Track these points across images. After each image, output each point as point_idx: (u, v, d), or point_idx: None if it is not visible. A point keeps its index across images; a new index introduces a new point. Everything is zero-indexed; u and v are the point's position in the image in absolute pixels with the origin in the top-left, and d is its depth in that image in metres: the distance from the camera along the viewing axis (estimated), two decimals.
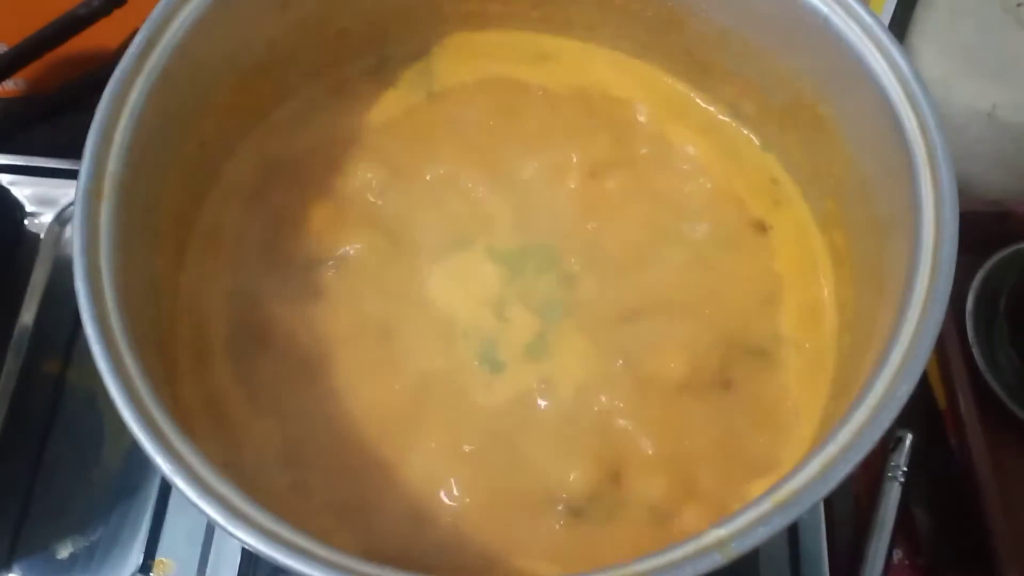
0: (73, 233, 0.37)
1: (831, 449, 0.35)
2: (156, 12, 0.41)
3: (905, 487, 0.59)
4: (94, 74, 0.71)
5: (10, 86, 0.72)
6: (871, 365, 0.38)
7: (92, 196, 0.38)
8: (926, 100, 0.42)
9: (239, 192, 0.49)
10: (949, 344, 0.62)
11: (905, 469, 0.59)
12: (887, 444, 0.60)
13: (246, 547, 0.33)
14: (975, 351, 0.62)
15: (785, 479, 0.35)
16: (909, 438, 0.60)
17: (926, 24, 0.69)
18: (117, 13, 0.69)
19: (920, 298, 0.37)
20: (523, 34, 0.54)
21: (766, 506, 0.34)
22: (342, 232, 0.47)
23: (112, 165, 0.39)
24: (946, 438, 0.63)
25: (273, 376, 0.45)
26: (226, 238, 0.48)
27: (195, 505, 0.33)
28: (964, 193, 0.41)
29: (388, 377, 0.44)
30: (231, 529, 0.33)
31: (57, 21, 0.69)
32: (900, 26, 0.69)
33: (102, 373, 0.35)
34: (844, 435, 0.35)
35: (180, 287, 0.46)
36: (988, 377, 0.61)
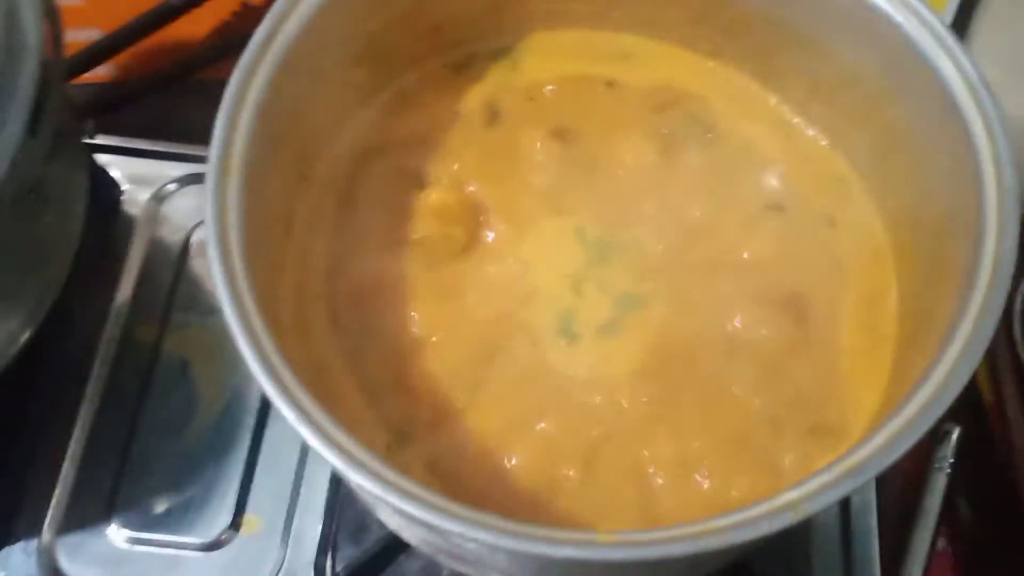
0: (206, 205, 0.41)
1: (896, 423, 0.38)
2: (276, 7, 0.45)
3: (950, 478, 0.62)
4: (181, 62, 0.75)
5: (101, 71, 0.76)
6: (934, 348, 0.40)
7: (222, 171, 0.42)
8: (992, 105, 0.44)
9: (338, 177, 0.52)
10: (997, 342, 0.64)
11: (952, 461, 0.62)
12: (935, 436, 0.63)
13: (366, 493, 0.37)
14: (1021, 350, 0.64)
15: (853, 449, 0.37)
16: (956, 431, 0.63)
17: (982, 34, 0.70)
18: (206, 4, 0.73)
19: (983, 287, 0.40)
20: (604, 33, 0.56)
21: (836, 472, 0.37)
22: (434, 215, 0.51)
23: (238, 144, 0.42)
24: (991, 432, 0.65)
25: (370, 347, 0.48)
26: (324, 218, 0.51)
27: (321, 454, 0.37)
28: None
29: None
30: (351, 475, 0.36)
31: (153, 10, 0.72)
32: (959, 29, 0.71)
33: (233, 330, 0.38)
34: (909, 410, 0.38)
35: (286, 264, 0.49)
36: None
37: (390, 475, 0.37)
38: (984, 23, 0.71)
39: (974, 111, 0.44)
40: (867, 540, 0.59)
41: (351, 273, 0.49)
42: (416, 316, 0.49)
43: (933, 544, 0.61)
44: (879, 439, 0.37)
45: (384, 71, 0.54)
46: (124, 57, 0.75)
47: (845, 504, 0.60)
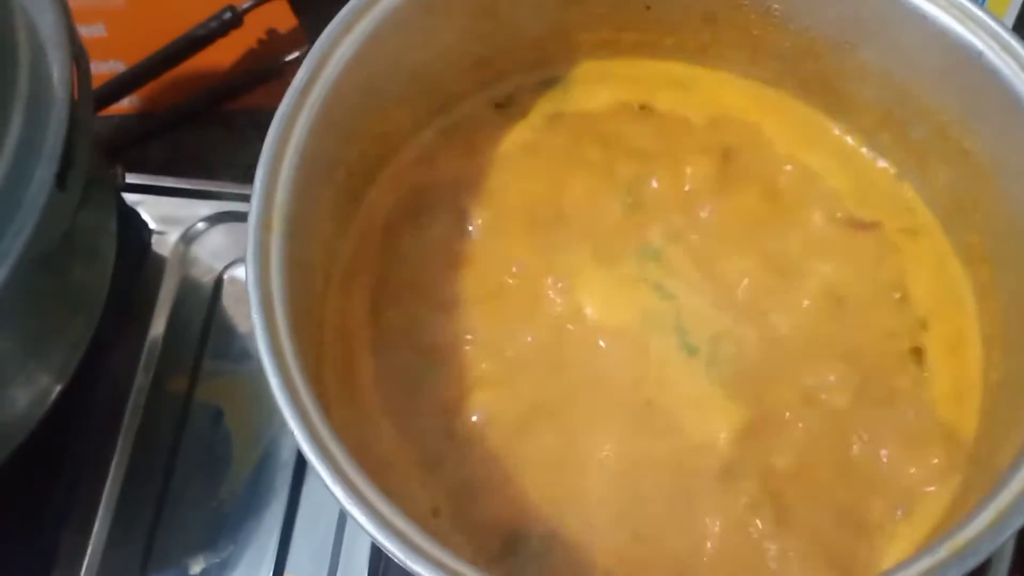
0: (247, 265, 0.38)
1: (1005, 496, 0.35)
2: (316, 48, 0.42)
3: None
4: (206, 93, 0.73)
5: (125, 103, 0.74)
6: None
7: (263, 228, 0.39)
8: None
9: (378, 221, 0.50)
10: None
11: None
12: None
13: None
14: None
15: (959, 526, 0.34)
16: None
17: None
18: (232, 34, 0.71)
19: None
20: (655, 62, 0.54)
21: (942, 554, 0.34)
22: (482, 266, 0.48)
23: (280, 196, 0.40)
24: None
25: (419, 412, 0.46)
26: (367, 268, 0.48)
27: (372, 536, 0.34)
28: None
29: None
30: (410, 563, 0.33)
31: (177, 41, 0.70)
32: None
33: (282, 409, 0.36)
34: (1017, 482, 0.35)
35: (326, 318, 0.47)
36: None
37: (424, 544, 0.34)
38: None
39: None
40: None
41: (399, 331, 0.47)
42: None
43: None
44: (987, 515, 0.34)
45: (428, 108, 0.51)
46: (148, 89, 0.73)
47: None
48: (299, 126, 0.41)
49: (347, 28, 0.43)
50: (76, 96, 0.46)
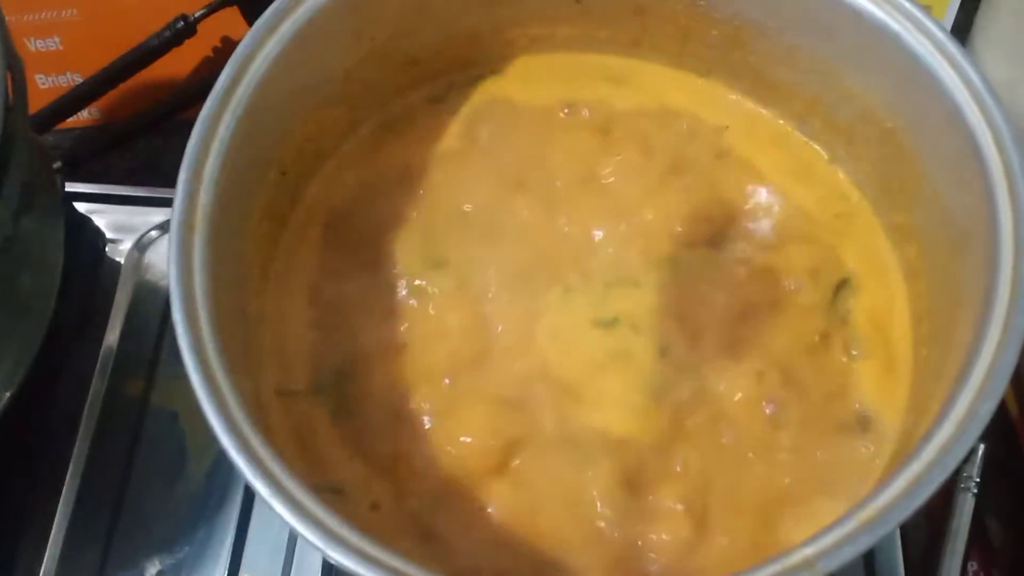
0: (169, 265, 0.39)
1: (915, 467, 0.35)
2: (240, 49, 0.43)
3: (978, 498, 0.59)
4: (165, 102, 0.73)
5: (84, 115, 0.74)
6: (951, 381, 0.38)
7: (186, 228, 0.39)
8: (1001, 114, 0.42)
9: (317, 219, 0.50)
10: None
11: (978, 480, 0.59)
12: None
13: (345, 568, 0.34)
14: None
15: (870, 497, 0.35)
16: (981, 448, 0.59)
17: (989, 27, 0.68)
18: (186, 43, 0.71)
19: (1001, 314, 0.38)
20: (590, 55, 0.54)
21: (852, 525, 0.34)
22: (421, 260, 0.48)
23: (203, 197, 0.40)
24: (1019, 447, 0.62)
25: (360, 409, 0.46)
26: (305, 265, 0.49)
27: (293, 527, 0.34)
28: None
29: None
30: (329, 552, 0.34)
31: (131, 52, 0.70)
32: (962, 30, 0.68)
33: (200, 400, 0.36)
34: (928, 452, 0.35)
35: (265, 315, 0.47)
36: None
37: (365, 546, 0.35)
38: (990, 17, 0.68)
39: (982, 122, 0.42)
40: (893, 568, 0.56)
41: (334, 327, 0.47)
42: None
43: (964, 569, 0.58)
44: (897, 485, 0.35)
45: (360, 107, 0.52)
46: (107, 100, 0.73)
47: None
48: (223, 127, 0.42)
49: (271, 30, 0.43)
50: (11, 104, 0.46)
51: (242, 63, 0.42)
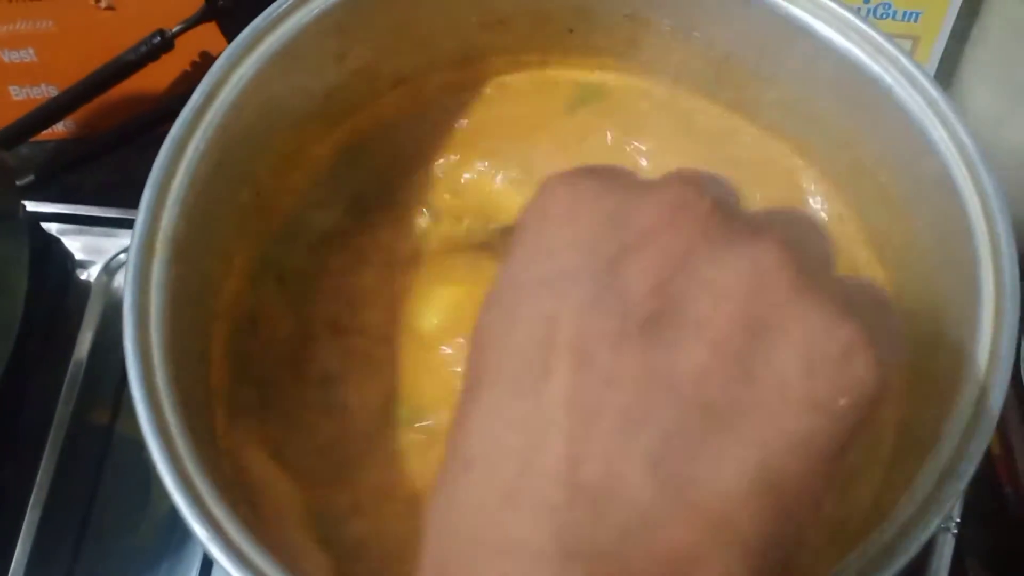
0: (125, 288, 0.37)
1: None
2: (214, 69, 0.41)
3: (958, 538, 0.58)
4: (141, 116, 0.72)
5: (60, 128, 0.73)
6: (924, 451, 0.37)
7: (146, 251, 0.38)
8: (992, 181, 0.40)
9: (300, 238, 0.48)
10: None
11: (958, 520, 0.58)
12: None
13: None
14: None
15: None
16: None
17: (978, 61, 0.67)
18: (163, 58, 0.70)
19: (972, 394, 0.36)
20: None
21: None
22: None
23: (166, 219, 0.39)
24: (1000, 486, 0.61)
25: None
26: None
27: None
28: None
29: None
30: None
31: (107, 65, 0.69)
32: (950, 64, 0.68)
33: (146, 437, 0.35)
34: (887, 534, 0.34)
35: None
36: None
37: None
38: (979, 52, 0.68)
39: (972, 191, 0.40)
40: None
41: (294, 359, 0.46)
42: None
43: None
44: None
45: (343, 127, 0.50)
46: (83, 113, 0.72)
47: None
48: (192, 148, 0.40)
49: (248, 49, 0.42)
50: None
51: (216, 83, 0.41)
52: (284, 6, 0.42)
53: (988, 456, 0.61)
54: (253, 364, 0.45)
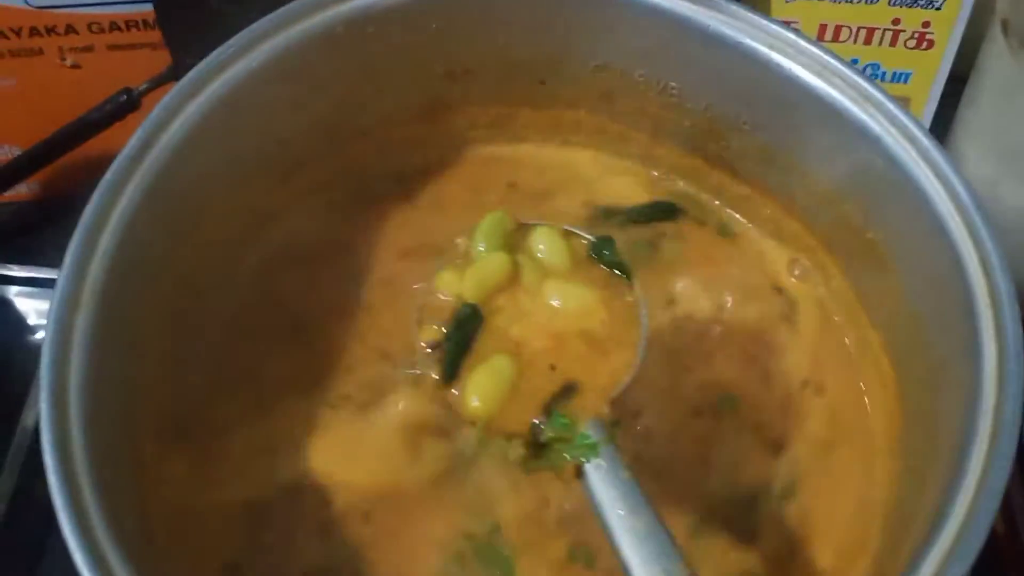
0: (43, 347, 0.34)
1: None
2: (154, 113, 0.39)
3: None
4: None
5: (23, 190, 0.71)
6: (921, 533, 0.33)
7: (69, 306, 0.35)
8: (989, 234, 0.37)
9: (245, 295, 0.46)
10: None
11: None
12: None
13: None
14: None
15: None
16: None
17: (971, 122, 0.66)
18: (129, 118, 0.68)
19: (977, 467, 0.33)
20: (546, 148, 0.51)
21: None
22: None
23: (94, 273, 0.36)
24: (1002, 563, 0.58)
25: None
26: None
27: None
28: None
29: None
30: None
31: (70, 125, 0.67)
32: (943, 126, 0.66)
33: (56, 509, 0.33)
34: None
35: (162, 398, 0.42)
36: None
37: None
38: (971, 113, 0.66)
39: (968, 243, 0.37)
40: None
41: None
42: None
43: None
44: None
45: (302, 181, 0.48)
46: (46, 174, 0.70)
47: None
48: (125, 198, 0.38)
49: (190, 95, 0.40)
50: None
51: (153, 129, 0.39)
52: (230, 51, 0.40)
53: (993, 534, 0.58)
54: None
